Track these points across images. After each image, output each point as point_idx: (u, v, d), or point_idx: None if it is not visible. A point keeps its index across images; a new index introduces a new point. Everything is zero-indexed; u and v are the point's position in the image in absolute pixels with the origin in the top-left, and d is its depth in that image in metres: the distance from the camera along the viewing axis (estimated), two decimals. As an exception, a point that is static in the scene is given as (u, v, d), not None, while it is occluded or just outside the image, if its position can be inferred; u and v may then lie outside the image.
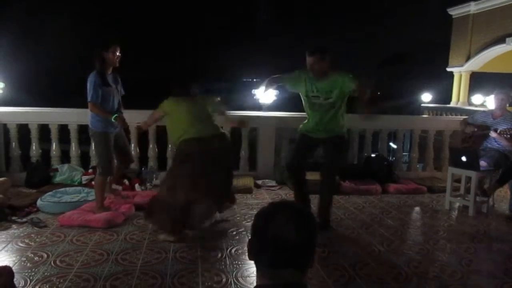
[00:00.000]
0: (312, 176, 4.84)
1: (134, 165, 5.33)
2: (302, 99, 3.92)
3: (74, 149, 5.27)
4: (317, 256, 3.07)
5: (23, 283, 2.54)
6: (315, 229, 1.16)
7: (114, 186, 4.80)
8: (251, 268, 2.79)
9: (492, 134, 4.46)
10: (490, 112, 4.75)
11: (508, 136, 4.34)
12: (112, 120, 3.71)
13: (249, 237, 1.19)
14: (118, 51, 3.76)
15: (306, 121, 3.94)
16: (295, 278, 1.11)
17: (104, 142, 3.79)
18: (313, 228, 1.15)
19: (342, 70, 3.75)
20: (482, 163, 4.36)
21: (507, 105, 4.66)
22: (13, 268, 2.29)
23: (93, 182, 4.78)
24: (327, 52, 3.65)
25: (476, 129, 4.66)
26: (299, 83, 3.79)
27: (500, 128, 4.41)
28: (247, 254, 1.20)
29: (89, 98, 3.66)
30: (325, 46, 3.73)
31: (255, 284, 1.16)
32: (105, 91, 3.73)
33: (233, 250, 3.14)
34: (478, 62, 16.36)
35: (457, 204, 4.62)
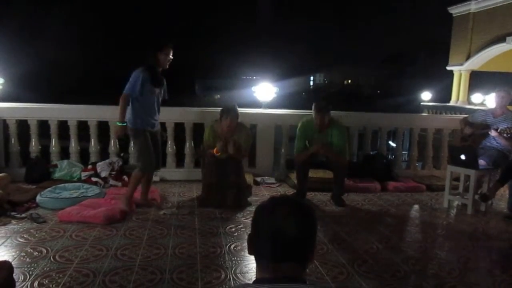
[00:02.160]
0: (315, 174, 4.87)
1: (134, 161, 5.34)
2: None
3: (73, 145, 5.27)
4: (316, 253, 3.09)
5: (22, 278, 2.54)
6: (316, 223, 1.17)
7: (112, 182, 4.82)
8: (250, 264, 2.80)
9: (492, 133, 4.46)
10: (491, 111, 4.75)
11: (508, 135, 4.34)
12: (118, 124, 3.66)
13: (249, 232, 1.19)
14: (171, 54, 3.68)
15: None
16: (295, 272, 1.12)
17: (143, 138, 3.74)
18: (313, 222, 1.16)
19: (338, 123, 4.53)
20: (481, 161, 4.37)
21: (508, 103, 4.67)
22: (12, 263, 2.30)
23: (92, 178, 4.81)
24: (329, 107, 4.42)
25: (473, 130, 4.66)
26: (306, 137, 4.47)
27: (500, 127, 4.41)
28: (246, 249, 1.20)
29: (125, 90, 3.59)
30: (327, 103, 4.56)
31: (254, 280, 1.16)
32: (151, 91, 3.64)
33: (232, 246, 3.15)
34: (478, 61, 16.37)
35: (455, 203, 4.63)
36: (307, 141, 4.47)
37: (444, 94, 19.64)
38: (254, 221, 1.17)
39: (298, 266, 1.12)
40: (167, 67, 3.72)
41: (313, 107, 4.44)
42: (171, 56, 3.69)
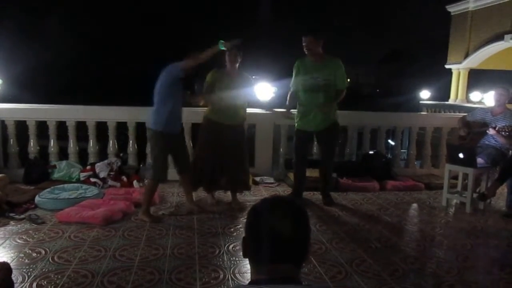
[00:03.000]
0: (312, 173, 4.87)
1: (132, 162, 5.35)
2: (301, 85, 4.25)
3: (72, 145, 5.27)
4: (315, 253, 3.08)
5: (21, 279, 2.54)
6: (309, 222, 1.17)
7: (111, 182, 4.82)
8: (249, 264, 2.80)
9: (491, 131, 4.46)
10: (490, 109, 4.75)
11: (506, 133, 4.35)
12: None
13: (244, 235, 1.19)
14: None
15: (298, 114, 4.33)
16: (291, 273, 1.12)
17: (161, 143, 3.61)
18: (306, 222, 1.16)
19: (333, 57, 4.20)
20: (479, 160, 4.37)
21: (507, 101, 4.67)
22: (11, 264, 2.31)
23: (91, 179, 4.81)
24: (320, 33, 4.09)
25: (469, 131, 4.66)
26: (298, 75, 4.22)
27: (498, 125, 4.42)
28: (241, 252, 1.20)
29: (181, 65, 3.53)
30: (318, 27, 4.09)
31: None
32: (180, 90, 3.64)
33: (230, 247, 3.15)
34: (476, 59, 16.38)
35: (454, 201, 4.63)
36: (304, 77, 4.16)
37: (443, 93, 19.65)
38: (247, 224, 1.17)
39: (294, 267, 1.12)
40: (190, 74, 3.71)
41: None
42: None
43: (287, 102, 4.42)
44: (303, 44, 4.07)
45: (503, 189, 4.74)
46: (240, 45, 3.98)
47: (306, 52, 4.15)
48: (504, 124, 4.38)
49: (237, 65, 4.07)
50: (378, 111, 7.23)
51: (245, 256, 1.17)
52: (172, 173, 5.29)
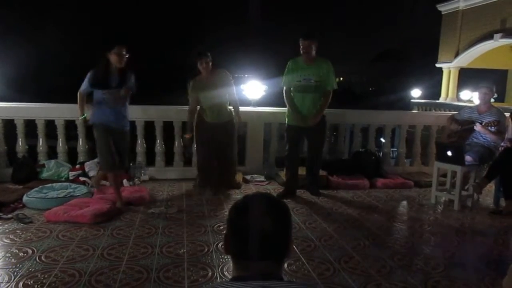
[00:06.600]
0: (302, 171, 4.89)
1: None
2: (293, 86, 4.42)
3: (61, 144, 5.23)
4: (303, 250, 3.08)
5: (7, 279, 2.52)
6: (290, 219, 1.18)
7: (102, 182, 4.78)
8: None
9: (477, 127, 4.52)
10: (476, 108, 4.81)
11: (492, 128, 4.41)
12: (79, 118, 3.99)
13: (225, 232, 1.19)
14: (124, 51, 3.73)
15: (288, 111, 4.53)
16: (273, 269, 1.12)
17: (100, 135, 3.83)
18: (288, 219, 1.16)
19: (324, 58, 4.41)
20: (468, 157, 4.42)
21: (491, 99, 4.73)
22: (-4, 264, 2.28)
23: (80, 178, 4.78)
24: (317, 37, 4.29)
25: (460, 127, 4.72)
26: (289, 74, 4.39)
27: (485, 122, 4.47)
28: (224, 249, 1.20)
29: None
30: (314, 31, 4.21)
31: None
32: (98, 92, 3.79)
33: (219, 245, 3.15)
34: (466, 58, 16.54)
35: (443, 198, 4.68)
36: (297, 77, 4.32)
37: (434, 91, 19.83)
38: (228, 220, 1.17)
39: (274, 263, 1.13)
40: (123, 65, 3.78)
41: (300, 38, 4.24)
42: (124, 53, 3.75)
43: (286, 100, 4.51)
44: (302, 46, 4.22)
45: (490, 187, 4.80)
46: (202, 51, 4.32)
47: (302, 54, 4.28)
48: (490, 120, 4.44)
49: (209, 68, 4.34)
50: (370, 109, 7.26)
51: (226, 252, 1.18)
52: (162, 172, 5.31)
